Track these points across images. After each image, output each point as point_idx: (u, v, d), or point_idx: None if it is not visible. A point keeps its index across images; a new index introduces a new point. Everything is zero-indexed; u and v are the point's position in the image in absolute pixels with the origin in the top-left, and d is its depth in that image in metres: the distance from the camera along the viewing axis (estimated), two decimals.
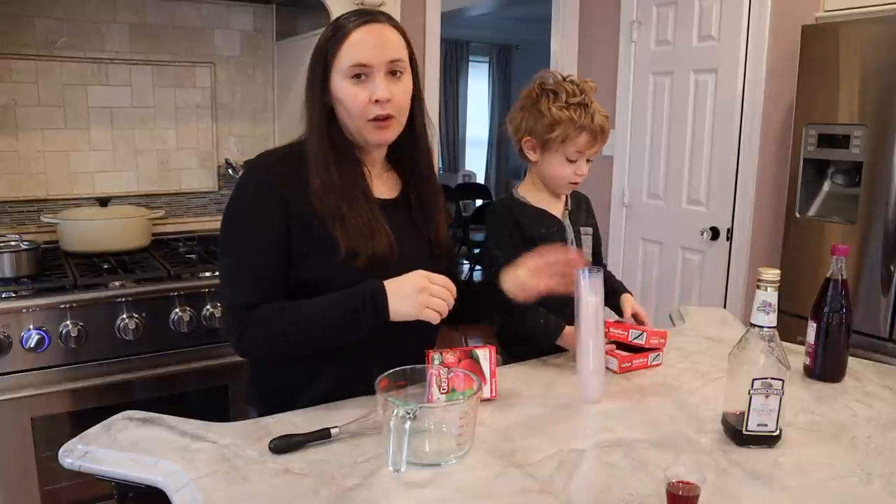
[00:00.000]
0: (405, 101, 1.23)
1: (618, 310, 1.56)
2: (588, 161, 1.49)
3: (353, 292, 1.15)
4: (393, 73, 1.20)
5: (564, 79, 1.47)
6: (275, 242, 1.19)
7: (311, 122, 1.22)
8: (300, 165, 1.20)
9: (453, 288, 1.17)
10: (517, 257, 1.29)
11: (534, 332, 1.44)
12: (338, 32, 1.19)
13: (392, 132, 1.23)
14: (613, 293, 1.56)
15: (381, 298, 1.14)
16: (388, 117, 1.20)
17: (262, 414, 1.20)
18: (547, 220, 1.52)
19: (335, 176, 1.20)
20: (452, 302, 1.16)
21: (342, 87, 1.19)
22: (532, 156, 1.49)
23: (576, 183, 1.50)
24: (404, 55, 1.22)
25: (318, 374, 1.23)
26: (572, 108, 1.42)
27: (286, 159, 1.23)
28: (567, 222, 1.55)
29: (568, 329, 1.41)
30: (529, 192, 1.54)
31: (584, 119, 1.42)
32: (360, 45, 1.17)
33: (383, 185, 1.31)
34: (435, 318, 1.15)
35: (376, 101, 1.18)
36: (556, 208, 1.55)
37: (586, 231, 1.59)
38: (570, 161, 1.46)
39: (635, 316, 1.52)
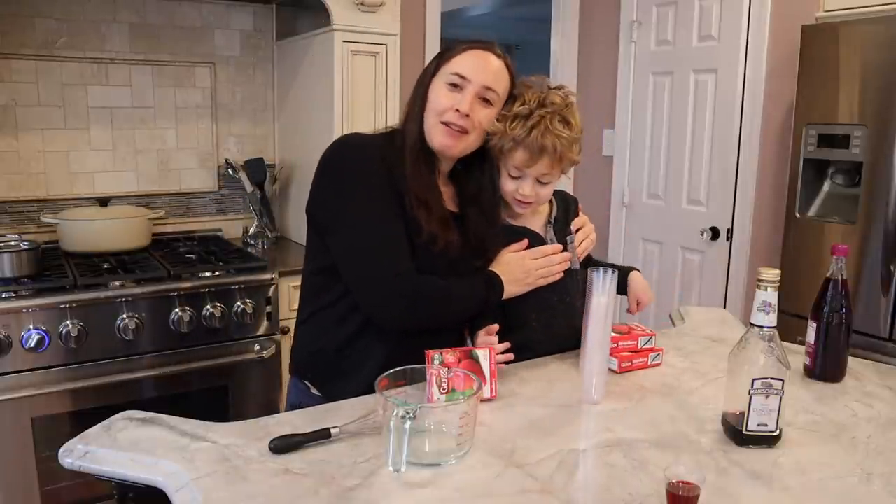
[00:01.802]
0: (484, 126, 1.30)
1: (623, 288, 1.51)
2: (541, 182, 1.34)
3: (477, 278, 1.32)
4: (485, 99, 1.28)
5: (550, 88, 1.34)
6: (398, 208, 1.25)
7: (411, 114, 1.31)
8: (388, 148, 1.28)
9: (548, 249, 1.37)
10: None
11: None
12: (457, 47, 1.31)
13: (457, 144, 1.29)
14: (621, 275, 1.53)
15: (500, 283, 1.32)
16: (461, 129, 1.27)
17: (315, 386, 1.34)
18: (524, 236, 1.41)
19: (424, 168, 1.29)
20: (557, 260, 1.37)
21: (436, 88, 1.29)
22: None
23: (521, 202, 1.36)
24: (500, 89, 1.30)
25: (375, 349, 1.29)
26: (512, 119, 1.29)
27: (374, 140, 1.32)
28: (550, 235, 1.44)
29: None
30: (504, 206, 1.42)
31: (518, 132, 1.27)
32: (466, 60, 1.29)
33: (446, 196, 1.36)
34: (549, 281, 1.37)
35: (456, 110, 1.26)
36: (536, 222, 1.44)
37: (572, 239, 1.47)
38: (512, 177, 1.34)
39: (638, 303, 1.50)
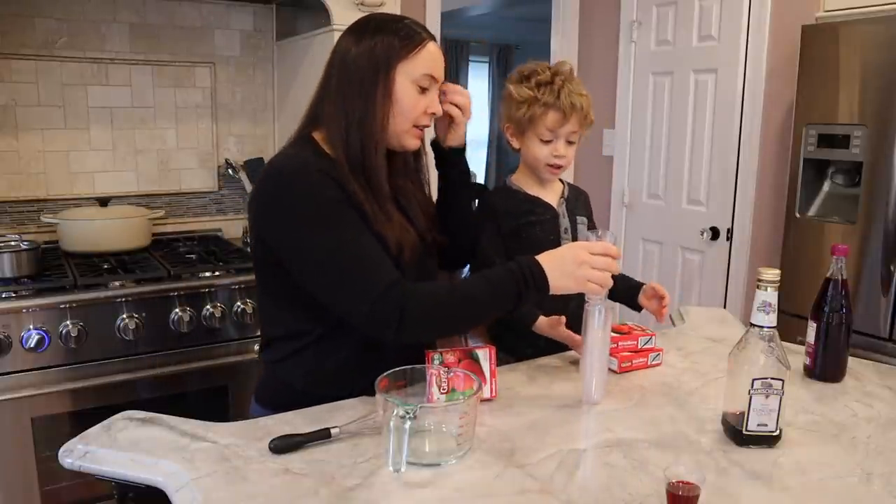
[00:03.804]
0: None
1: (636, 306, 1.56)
2: (570, 143, 1.47)
3: (508, 270, 1.12)
4: (438, 91, 1.27)
5: (548, 66, 1.48)
6: (364, 224, 1.15)
7: (373, 121, 1.18)
8: (330, 164, 1.17)
9: (614, 251, 1.15)
10: (499, 247, 1.44)
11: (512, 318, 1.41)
12: (413, 38, 1.19)
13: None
14: (634, 290, 1.56)
15: (541, 274, 1.12)
16: (426, 126, 1.27)
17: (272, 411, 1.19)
18: (539, 207, 1.52)
19: (379, 176, 1.20)
20: (617, 269, 1.14)
21: (408, 91, 1.19)
22: (514, 143, 1.52)
23: (555, 166, 1.48)
24: None
25: (359, 374, 1.18)
26: (536, 87, 1.43)
27: (316, 159, 1.18)
28: (563, 210, 1.54)
29: (542, 319, 1.40)
30: (522, 180, 1.55)
31: (547, 97, 1.42)
32: (435, 59, 1.21)
33: None
34: (598, 291, 1.15)
35: (432, 113, 1.24)
36: (551, 196, 1.55)
37: (581, 220, 1.57)
38: (545, 141, 1.46)
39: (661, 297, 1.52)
